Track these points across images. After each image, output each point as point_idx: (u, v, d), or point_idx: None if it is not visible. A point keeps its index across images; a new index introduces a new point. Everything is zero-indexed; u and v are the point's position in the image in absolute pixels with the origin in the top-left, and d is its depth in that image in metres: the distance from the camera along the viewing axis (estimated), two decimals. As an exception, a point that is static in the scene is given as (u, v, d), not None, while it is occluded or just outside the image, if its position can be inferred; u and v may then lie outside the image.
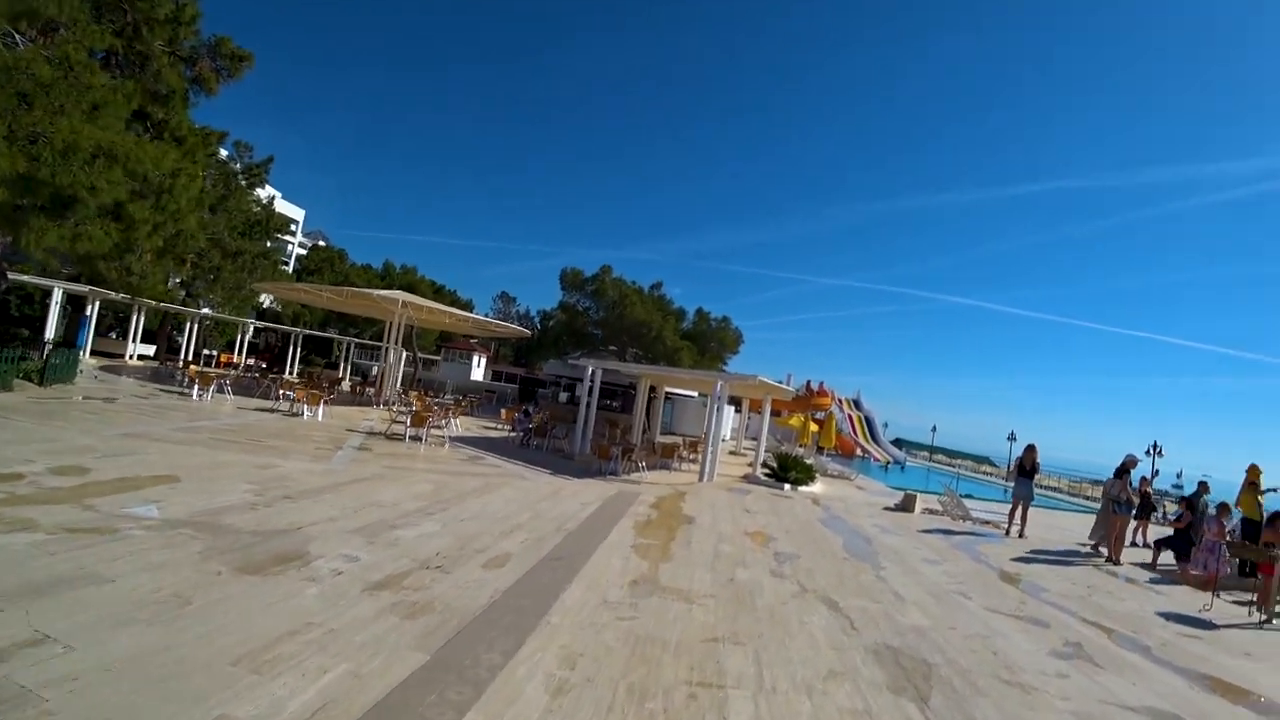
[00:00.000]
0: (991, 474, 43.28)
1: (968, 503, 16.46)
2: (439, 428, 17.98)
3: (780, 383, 32.54)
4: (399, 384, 42.50)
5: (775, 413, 40.62)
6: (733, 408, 34.18)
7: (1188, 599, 9.10)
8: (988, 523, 14.51)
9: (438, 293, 64.83)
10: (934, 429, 50.67)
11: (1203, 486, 14.36)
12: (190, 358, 33.38)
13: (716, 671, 4.55)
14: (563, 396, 40.57)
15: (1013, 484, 12.87)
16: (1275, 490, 15.23)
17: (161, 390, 18.57)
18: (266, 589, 4.91)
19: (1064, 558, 11.23)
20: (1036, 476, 12.66)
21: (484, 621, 4.99)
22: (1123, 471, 11.44)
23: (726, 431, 35.46)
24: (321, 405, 17.89)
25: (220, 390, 19.51)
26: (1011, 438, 40.03)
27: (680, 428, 38.05)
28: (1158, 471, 29.35)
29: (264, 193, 41.53)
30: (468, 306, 67.52)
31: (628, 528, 8.97)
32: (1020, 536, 12.51)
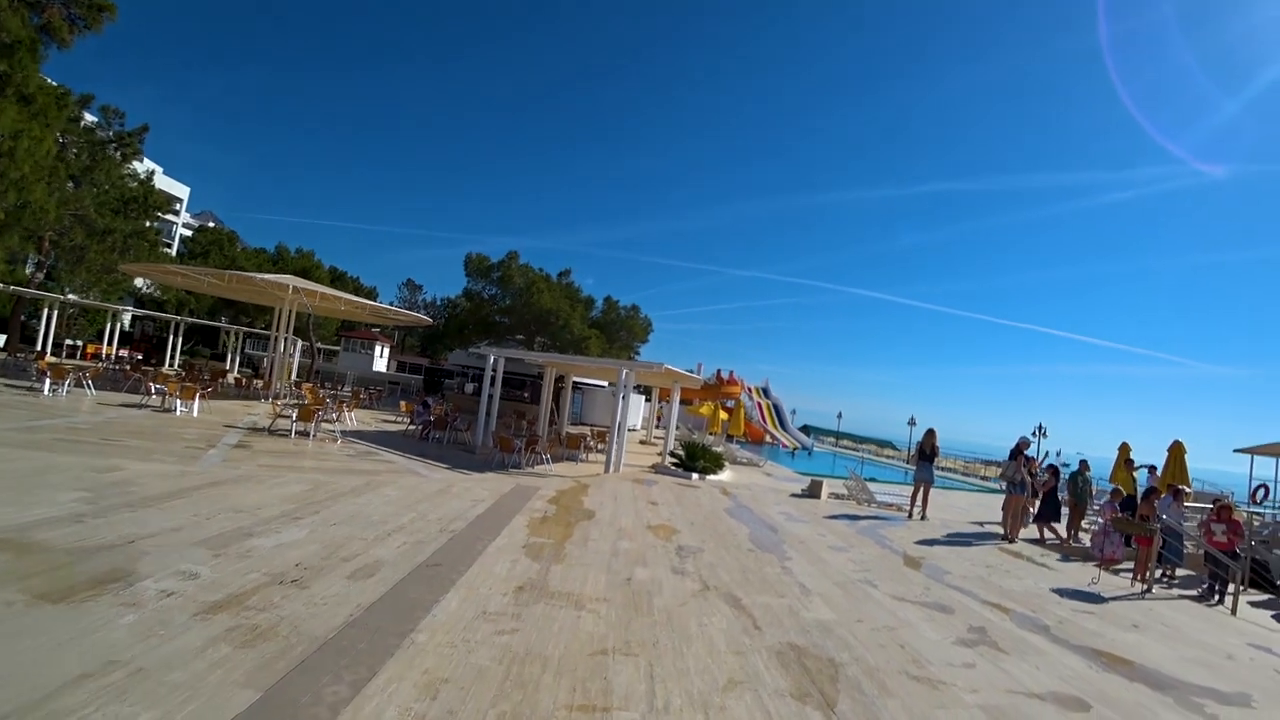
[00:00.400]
0: (893, 457, 45.10)
1: (872, 486, 16.71)
2: (329, 422, 16.66)
3: (691, 372, 32.59)
4: (294, 376, 39.93)
5: (686, 401, 40.75)
6: (643, 397, 33.90)
7: (1079, 574, 9.32)
8: (891, 505, 14.69)
9: (337, 279, 61.36)
10: (839, 415, 52.38)
11: (1084, 465, 15.10)
12: (45, 348, 29.72)
13: (602, 690, 3.98)
14: (469, 387, 39.07)
15: (914, 468, 13.06)
16: (1144, 467, 16.26)
17: (6, 385, 16.25)
18: (68, 620, 3.96)
19: (963, 538, 11.39)
20: (936, 459, 12.83)
21: (336, 646, 4.23)
22: (1016, 453, 11.72)
23: (637, 421, 35.17)
24: (197, 400, 16.19)
25: (79, 384, 17.28)
26: (911, 422, 41.78)
27: (591, 418, 37.45)
28: (1047, 453, 31.28)
29: (141, 166, 37.83)
30: (370, 294, 64.36)
31: (521, 526, 8.28)
32: (922, 519, 12.67)
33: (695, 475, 15.26)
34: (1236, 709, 4.97)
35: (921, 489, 12.79)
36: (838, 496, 16.06)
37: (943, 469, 36.10)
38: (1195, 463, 16.66)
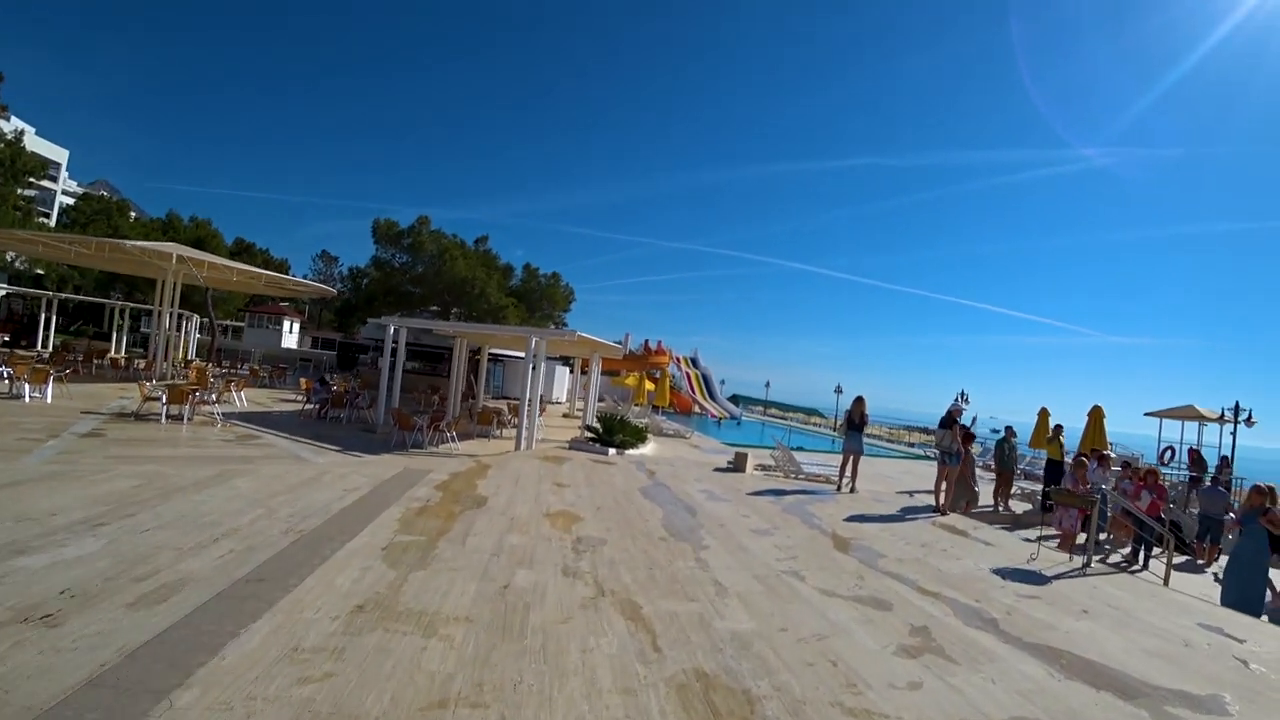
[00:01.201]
0: (820, 425, 45.42)
1: (799, 456, 16.01)
2: (206, 403, 14.72)
3: (618, 343, 31.35)
4: (191, 355, 36.53)
5: (613, 372, 39.62)
6: (566, 369, 32.56)
7: (1015, 548, 8.67)
8: (819, 477, 13.97)
9: (243, 251, 56.92)
10: (768, 385, 52.45)
11: (1009, 432, 14.74)
12: None
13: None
14: (381, 362, 36.79)
15: (843, 437, 12.29)
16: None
17: None
18: None
19: (895, 513, 10.67)
20: (865, 428, 12.07)
21: (55, 716, 2.87)
22: (949, 422, 11.04)
23: (561, 394, 33.83)
24: (50, 383, 14.02)
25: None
26: (838, 390, 41.98)
27: (513, 391, 35.82)
28: (975, 419, 31.52)
29: (8, 126, 33.49)
30: (281, 266, 60.06)
31: (391, 521, 6.91)
32: (852, 491, 11.93)
33: (613, 451, 14.12)
34: (1215, 718, 4.19)
35: (851, 459, 12.03)
36: (764, 468, 15.25)
37: (870, 436, 36.33)
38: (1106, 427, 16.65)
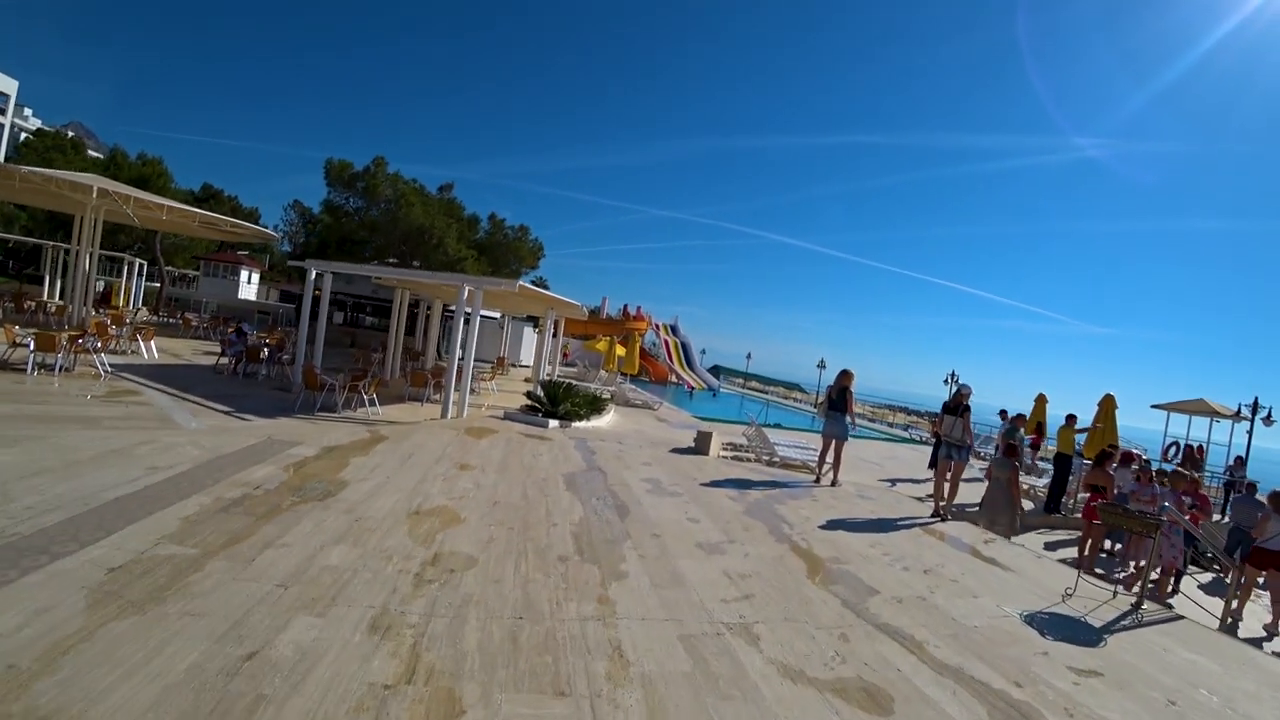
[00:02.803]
0: (801, 400, 43.61)
1: (777, 435, 14.00)
2: (91, 352, 12.54)
3: (594, 308, 29.03)
4: (137, 303, 33.71)
5: (587, 336, 37.39)
6: (531, 327, 30.30)
7: (1040, 574, 6.64)
8: (796, 464, 11.96)
9: (211, 198, 53.51)
10: (749, 356, 50.46)
11: (1019, 420, 12.81)
12: None
13: None
14: (337, 317, 34.24)
15: (823, 419, 10.16)
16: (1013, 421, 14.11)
17: None
18: None
19: (883, 514, 8.64)
20: (851, 409, 9.93)
21: None
22: (957, 407, 8.88)
23: (529, 356, 31.58)
24: None
25: None
26: (821, 365, 40.10)
27: (482, 353, 33.51)
28: (1020, 432, 29.82)
29: None
30: (250, 215, 56.50)
31: (175, 519, 4.76)
32: (832, 484, 9.87)
33: (555, 423, 11.95)
34: None
35: (833, 446, 9.96)
36: (733, 448, 13.21)
37: (865, 418, 34.23)
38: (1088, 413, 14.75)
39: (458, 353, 11.96)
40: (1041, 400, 19.45)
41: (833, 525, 7.36)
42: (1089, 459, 14.03)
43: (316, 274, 14.57)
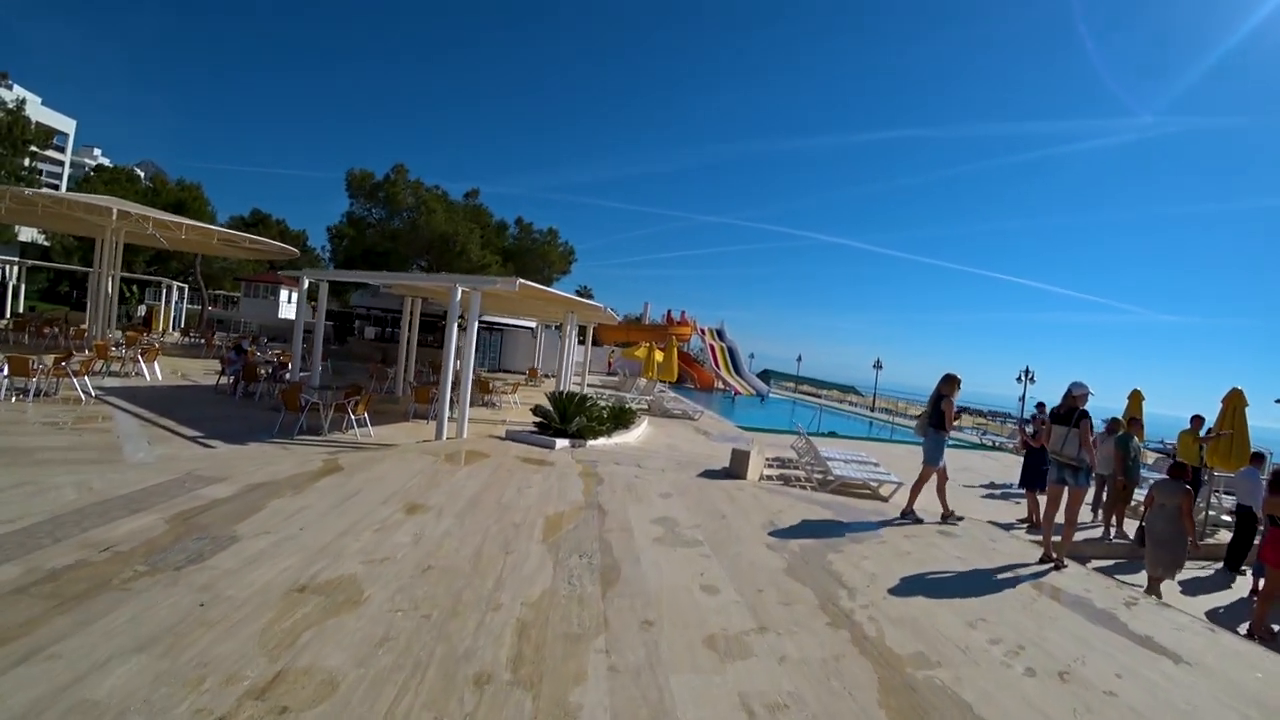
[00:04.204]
0: (856, 404, 40.85)
1: (829, 447, 11.88)
2: (72, 375, 11.66)
3: (635, 316, 27.26)
4: (179, 325, 33.76)
5: (629, 343, 35.63)
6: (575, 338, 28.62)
7: (1222, 662, 4.45)
8: (856, 484, 9.87)
9: (260, 222, 54.28)
10: (799, 359, 47.85)
11: (1132, 425, 10.40)
12: None
13: None
14: (369, 332, 33.46)
15: (924, 439, 7.76)
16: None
17: None
18: None
19: (976, 562, 6.52)
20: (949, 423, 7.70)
21: None
22: (1071, 415, 6.56)
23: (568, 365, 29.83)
24: None
25: None
26: (877, 365, 37.40)
27: (514, 364, 32.19)
28: (1041, 405, 26.65)
29: (10, 95, 31.26)
30: (297, 238, 57.08)
31: None
32: (910, 518, 7.71)
33: (564, 443, 10.13)
34: None
35: (936, 480, 7.79)
36: (779, 464, 11.22)
37: (909, 419, 31.25)
38: (1169, 410, 12.07)
39: (451, 364, 10.29)
40: (1137, 396, 16.70)
41: (910, 587, 5.28)
42: (1222, 470, 11.46)
43: (308, 285, 13.21)
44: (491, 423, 13.03)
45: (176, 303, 36.09)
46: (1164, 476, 7.26)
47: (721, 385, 35.63)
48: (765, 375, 46.07)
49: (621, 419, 13.10)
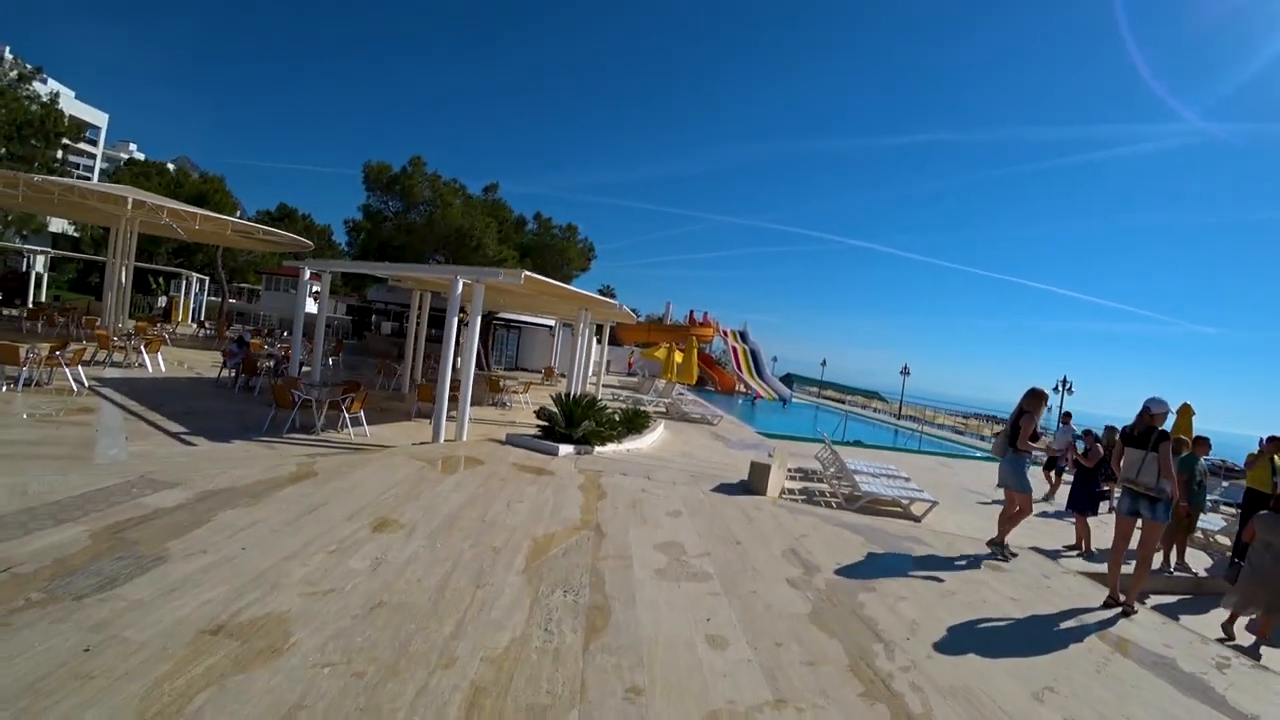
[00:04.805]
0: (880, 410, 39.67)
1: (856, 457, 10.98)
2: (63, 364, 11.24)
3: (656, 317, 26.44)
4: (199, 317, 33.74)
5: (649, 344, 34.81)
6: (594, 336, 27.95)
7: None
8: (885, 502, 9.02)
9: (286, 217, 54.59)
10: (824, 363, 46.76)
11: (1199, 444, 9.36)
12: None
13: None
14: (387, 327, 33.08)
15: (1001, 462, 6.73)
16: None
17: None
18: None
19: (1033, 603, 5.65)
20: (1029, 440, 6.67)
21: None
22: (1147, 437, 5.56)
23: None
24: None
25: None
26: (904, 371, 36.20)
27: (530, 362, 31.58)
28: (1068, 415, 25.48)
29: (44, 89, 31.55)
30: (322, 233, 57.31)
31: None
32: (1000, 555, 6.79)
33: (569, 449, 9.38)
34: None
35: (1018, 509, 6.88)
36: (803, 476, 10.40)
37: (938, 427, 30.04)
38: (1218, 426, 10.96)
39: (449, 361, 9.60)
40: (1186, 412, 15.54)
41: (959, 641, 4.42)
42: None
43: (309, 275, 12.64)
44: (499, 424, 12.37)
45: (196, 294, 36.13)
46: (1268, 511, 6.26)
47: (743, 388, 34.70)
48: (788, 379, 45.02)
49: (635, 423, 12.33)
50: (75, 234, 47.76)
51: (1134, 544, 5.87)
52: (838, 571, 5.50)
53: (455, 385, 10.05)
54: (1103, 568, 6.81)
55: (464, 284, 9.73)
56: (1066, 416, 12.99)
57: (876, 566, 5.79)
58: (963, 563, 6.36)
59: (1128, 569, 5.91)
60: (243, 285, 49.06)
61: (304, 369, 14.05)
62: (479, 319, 10.11)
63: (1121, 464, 5.68)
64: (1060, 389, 26.98)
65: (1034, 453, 6.80)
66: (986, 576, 6.02)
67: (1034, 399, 6.70)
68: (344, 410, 9.77)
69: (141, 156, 67.00)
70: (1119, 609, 5.49)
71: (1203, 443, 9.22)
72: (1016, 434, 6.57)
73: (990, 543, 6.97)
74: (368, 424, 10.08)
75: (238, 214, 43.10)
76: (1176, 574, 8.43)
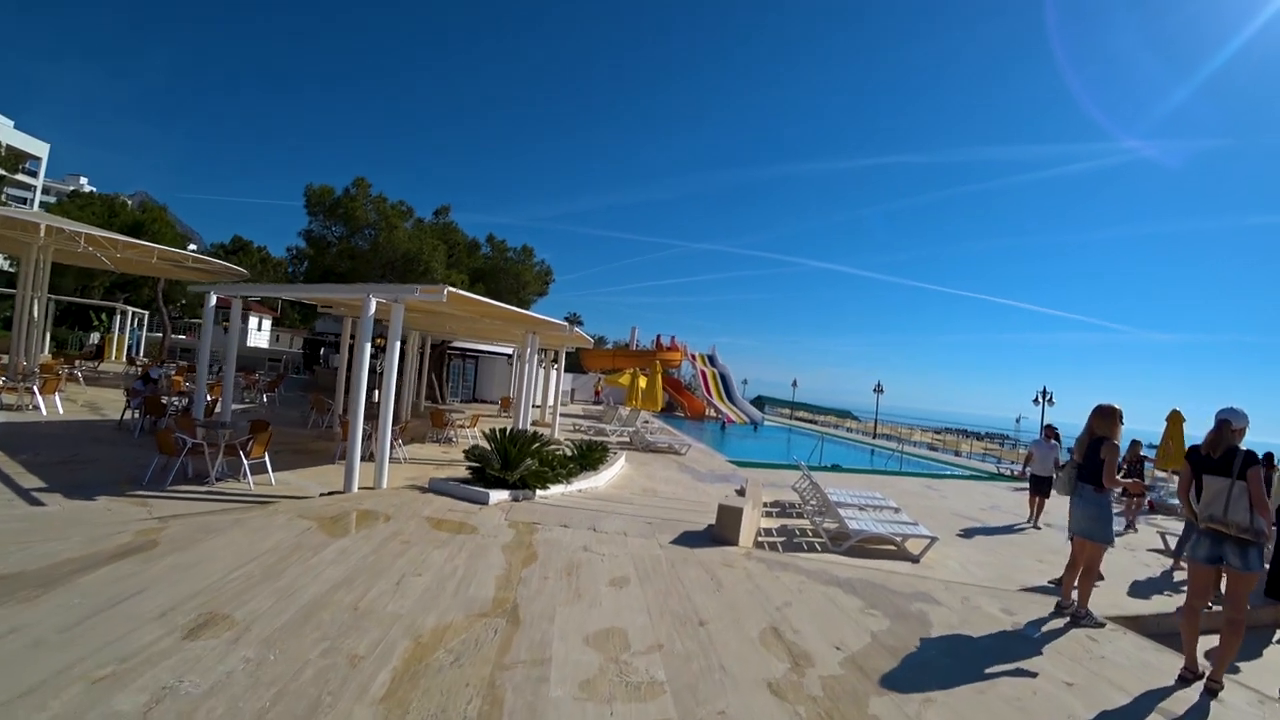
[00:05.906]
0: (854, 429, 38.69)
1: (836, 486, 9.66)
2: None
3: (621, 343, 25.07)
4: (138, 353, 31.41)
5: (614, 370, 33.41)
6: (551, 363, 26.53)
7: None
8: (878, 541, 7.71)
9: (241, 249, 52.45)
10: (794, 384, 45.79)
11: (1270, 461, 8.22)
12: None
13: None
14: (335, 360, 31.19)
15: (1067, 487, 5.35)
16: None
17: None
18: None
19: (1085, 687, 4.32)
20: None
21: None
22: (1231, 460, 4.14)
23: (548, 395, 27.68)
24: None
25: None
26: (878, 389, 35.35)
27: (488, 393, 29.94)
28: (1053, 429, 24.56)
29: None
30: (279, 264, 55.21)
31: None
32: (1075, 618, 5.35)
33: (503, 495, 7.88)
34: None
35: (1090, 554, 5.36)
36: (780, 511, 9.07)
37: (918, 444, 28.90)
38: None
39: (362, 395, 8.10)
40: (1176, 419, 14.71)
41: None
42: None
43: (214, 301, 11.02)
44: (439, 463, 10.92)
45: (134, 330, 33.79)
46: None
47: (713, 413, 33.42)
48: (759, 402, 43.89)
49: (590, 458, 10.89)
50: (11, 269, 45.01)
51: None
52: (834, 661, 4.09)
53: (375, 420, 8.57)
54: (1135, 610, 5.56)
55: (377, 303, 8.29)
56: (1049, 430, 11.94)
57: (885, 648, 4.40)
58: (988, 629, 5.02)
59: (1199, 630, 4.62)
60: (194, 320, 46.63)
61: (219, 409, 12.40)
62: (397, 343, 8.65)
63: (1200, 498, 4.38)
64: (1040, 400, 26.15)
65: (1115, 491, 5.43)
66: (1022, 648, 4.68)
67: (1108, 420, 5.25)
68: (243, 455, 8.18)
69: (93, 189, 64.37)
70: (1200, 683, 4.20)
71: (1271, 459, 8.10)
72: (1095, 467, 5.19)
73: (1066, 609, 5.48)
74: (278, 470, 8.54)
75: (189, 245, 41.05)
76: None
